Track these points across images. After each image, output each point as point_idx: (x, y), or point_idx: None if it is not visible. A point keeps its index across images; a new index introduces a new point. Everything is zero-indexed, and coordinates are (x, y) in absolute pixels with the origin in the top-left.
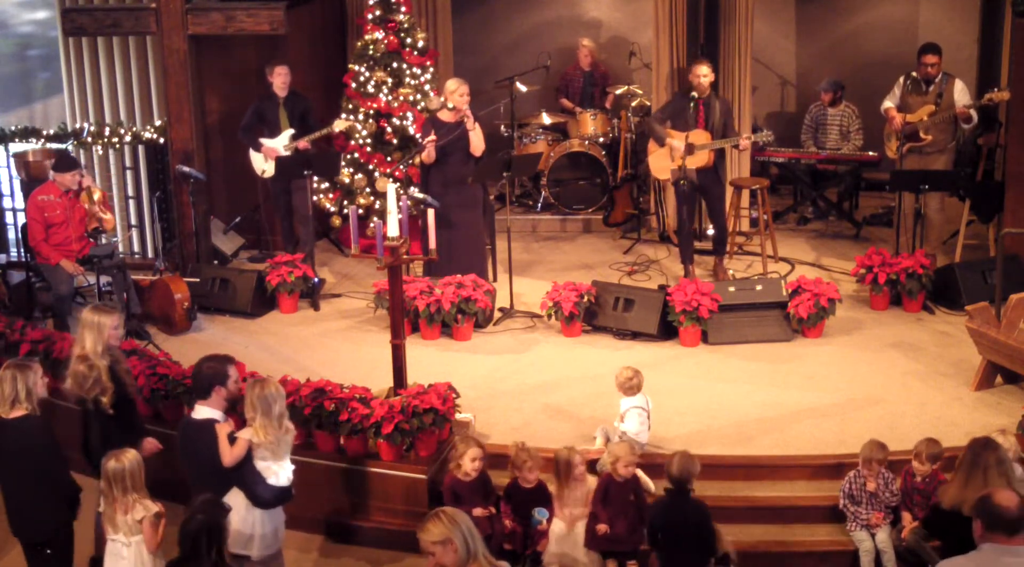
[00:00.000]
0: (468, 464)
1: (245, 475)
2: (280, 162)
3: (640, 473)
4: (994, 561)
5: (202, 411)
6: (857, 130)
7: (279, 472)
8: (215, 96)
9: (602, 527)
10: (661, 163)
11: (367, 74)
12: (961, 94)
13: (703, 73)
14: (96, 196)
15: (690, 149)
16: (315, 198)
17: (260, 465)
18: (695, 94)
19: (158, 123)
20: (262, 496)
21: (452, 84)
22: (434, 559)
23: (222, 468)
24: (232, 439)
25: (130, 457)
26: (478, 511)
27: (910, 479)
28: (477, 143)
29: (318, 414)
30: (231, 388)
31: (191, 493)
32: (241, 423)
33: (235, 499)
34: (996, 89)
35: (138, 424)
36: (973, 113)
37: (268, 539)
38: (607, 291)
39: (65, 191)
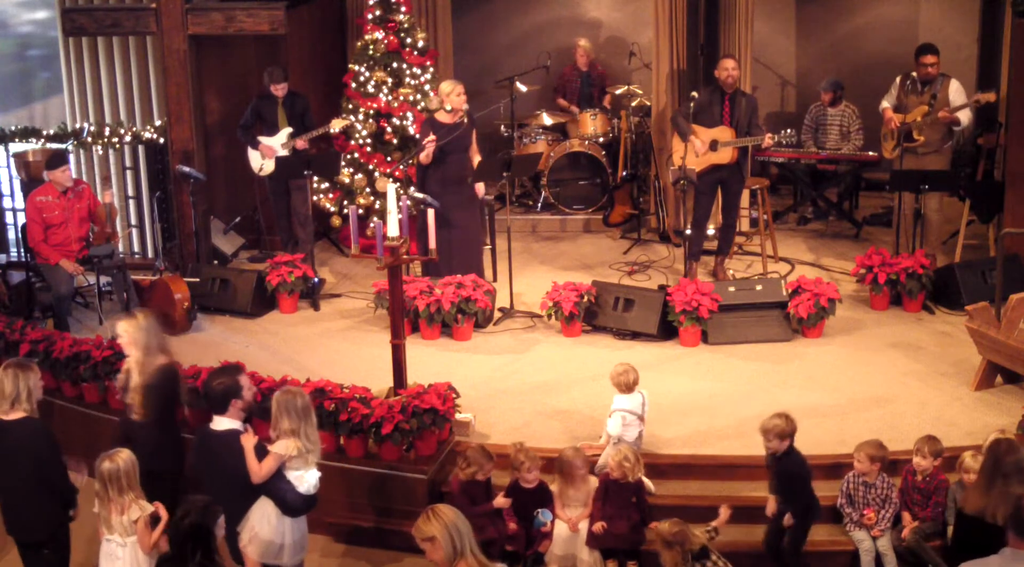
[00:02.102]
0: (482, 475)
1: (276, 485)
2: (280, 162)
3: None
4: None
5: (222, 422)
6: (857, 130)
7: (309, 480)
8: (215, 96)
9: (598, 525)
10: (687, 157)
11: (367, 74)
12: (957, 95)
13: (729, 66)
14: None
15: (714, 146)
16: (315, 198)
17: (292, 476)
18: (722, 90)
19: (158, 123)
20: (293, 504)
21: (447, 86)
22: (428, 554)
23: (248, 479)
24: (261, 452)
25: (124, 457)
26: (480, 509)
27: (911, 477)
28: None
29: (318, 414)
30: (246, 397)
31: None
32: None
33: (266, 508)
34: (980, 91)
35: None
36: (961, 116)
37: (297, 547)
38: (607, 291)
39: (63, 191)
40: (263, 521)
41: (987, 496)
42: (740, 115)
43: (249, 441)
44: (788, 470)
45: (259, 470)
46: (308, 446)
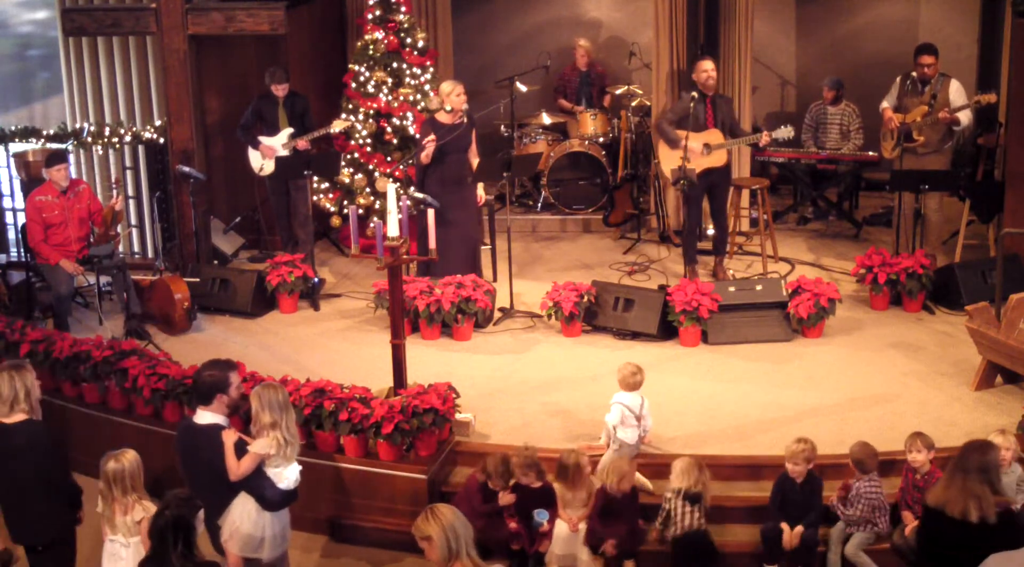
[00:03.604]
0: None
1: (254, 480)
2: (280, 162)
3: (638, 475)
4: None
5: (205, 416)
6: (857, 130)
7: (289, 476)
8: (215, 96)
9: (609, 546)
10: (674, 165)
11: (367, 74)
12: (957, 95)
13: (709, 68)
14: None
15: (707, 148)
16: (315, 198)
17: (272, 472)
18: (703, 92)
19: (158, 123)
20: (271, 499)
21: (448, 86)
22: (425, 554)
23: (227, 474)
24: (241, 449)
25: (129, 457)
26: (486, 508)
27: (911, 475)
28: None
29: (318, 414)
30: (233, 395)
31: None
32: (242, 424)
33: (245, 503)
34: (980, 91)
35: None
36: (961, 117)
37: (278, 540)
38: (607, 291)
39: (62, 190)
40: (244, 516)
41: (948, 490)
42: (724, 116)
43: (230, 438)
44: (815, 489)
45: (236, 468)
46: (288, 438)
